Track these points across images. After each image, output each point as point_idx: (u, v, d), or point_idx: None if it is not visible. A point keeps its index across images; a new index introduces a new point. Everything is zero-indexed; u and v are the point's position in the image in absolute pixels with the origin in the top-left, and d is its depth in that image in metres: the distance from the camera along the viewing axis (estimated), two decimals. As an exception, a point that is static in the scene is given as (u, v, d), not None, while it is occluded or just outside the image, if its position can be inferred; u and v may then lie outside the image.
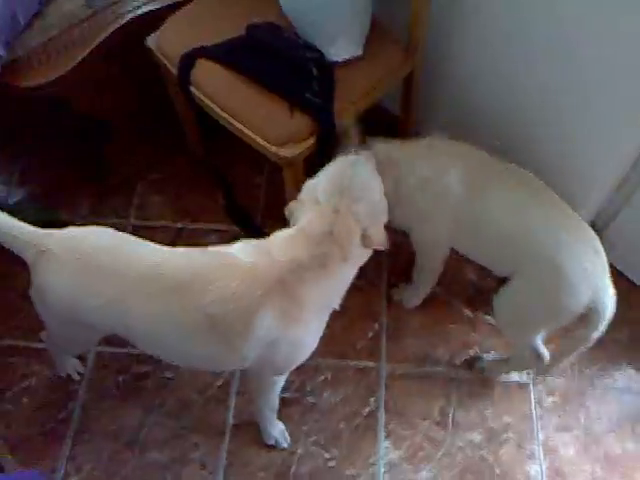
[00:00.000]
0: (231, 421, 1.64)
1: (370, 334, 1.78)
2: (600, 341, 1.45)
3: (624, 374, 1.73)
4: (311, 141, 1.49)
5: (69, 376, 1.66)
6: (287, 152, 1.48)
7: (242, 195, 1.93)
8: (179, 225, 1.93)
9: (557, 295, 1.40)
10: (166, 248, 1.26)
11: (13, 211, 1.28)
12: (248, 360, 1.26)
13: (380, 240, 1.24)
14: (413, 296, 1.79)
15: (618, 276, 1.72)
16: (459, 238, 1.55)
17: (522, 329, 1.55)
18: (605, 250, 1.44)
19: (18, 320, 1.70)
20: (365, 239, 1.22)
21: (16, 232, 1.23)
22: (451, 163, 1.46)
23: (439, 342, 1.77)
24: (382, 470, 1.60)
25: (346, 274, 1.26)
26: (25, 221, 1.25)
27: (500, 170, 1.48)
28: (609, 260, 1.44)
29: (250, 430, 1.63)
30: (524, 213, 1.43)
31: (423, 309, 1.81)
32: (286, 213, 1.27)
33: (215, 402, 1.66)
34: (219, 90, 1.54)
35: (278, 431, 1.60)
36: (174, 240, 1.89)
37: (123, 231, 1.28)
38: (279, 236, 1.23)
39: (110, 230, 1.27)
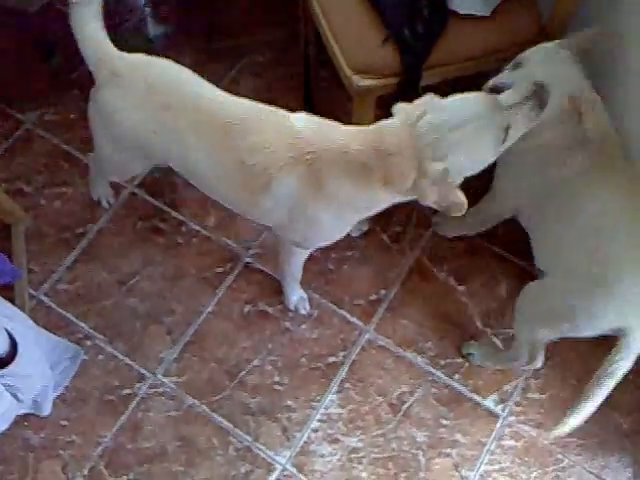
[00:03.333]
0: (210, 308, 1.72)
1: (373, 297, 1.75)
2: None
3: (606, 467, 1.59)
4: (390, 81, 1.43)
5: (99, 201, 1.79)
6: (360, 81, 1.43)
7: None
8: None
9: (592, 304, 1.32)
10: (226, 93, 1.32)
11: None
12: (270, 218, 1.35)
13: (434, 199, 1.17)
14: (454, 227, 1.77)
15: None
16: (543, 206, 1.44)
17: (537, 326, 1.47)
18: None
19: (80, 131, 1.78)
20: (417, 189, 1.17)
21: (94, 46, 1.31)
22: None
23: (433, 336, 1.72)
24: (317, 417, 1.62)
25: (378, 196, 1.24)
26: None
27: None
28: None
29: (221, 325, 1.70)
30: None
31: (436, 302, 1.75)
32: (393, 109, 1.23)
33: (206, 284, 1.74)
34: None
35: (298, 297, 1.69)
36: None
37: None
38: (350, 128, 1.25)
39: (176, 65, 1.34)
